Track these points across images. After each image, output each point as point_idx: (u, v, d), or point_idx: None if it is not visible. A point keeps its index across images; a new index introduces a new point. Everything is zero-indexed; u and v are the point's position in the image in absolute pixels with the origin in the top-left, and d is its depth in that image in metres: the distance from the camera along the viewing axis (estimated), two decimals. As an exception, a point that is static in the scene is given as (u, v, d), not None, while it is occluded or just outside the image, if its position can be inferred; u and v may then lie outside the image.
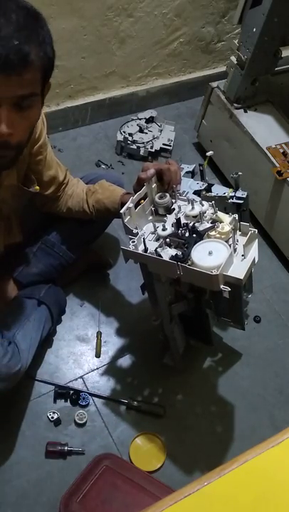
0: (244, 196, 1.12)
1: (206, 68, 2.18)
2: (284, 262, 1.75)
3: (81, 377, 1.39)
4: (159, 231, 1.06)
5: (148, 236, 1.07)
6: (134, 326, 1.50)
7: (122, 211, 1.04)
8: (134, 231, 1.05)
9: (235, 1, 1.61)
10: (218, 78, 1.83)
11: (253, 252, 1.00)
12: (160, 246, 1.03)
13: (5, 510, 1.17)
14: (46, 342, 1.42)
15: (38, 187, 1.14)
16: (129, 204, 1.05)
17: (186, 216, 1.07)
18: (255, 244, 1.02)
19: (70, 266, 1.41)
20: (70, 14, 1.64)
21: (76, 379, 1.38)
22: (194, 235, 1.01)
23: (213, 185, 1.16)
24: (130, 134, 1.93)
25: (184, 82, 2.14)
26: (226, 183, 1.92)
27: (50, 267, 1.36)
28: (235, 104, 1.75)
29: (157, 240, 1.06)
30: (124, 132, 1.93)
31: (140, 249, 1.03)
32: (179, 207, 1.10)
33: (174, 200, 1.11)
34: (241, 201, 1.12)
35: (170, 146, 1.95)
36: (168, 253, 1.01)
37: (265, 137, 1.68)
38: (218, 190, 1.15)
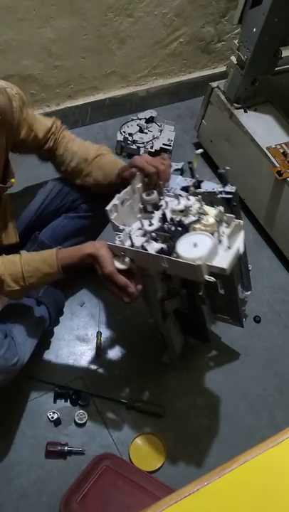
0: (233, 191, 1.13)
1: (206, 68, 2.18)
2: (284, 262, 1.75)
3: (81, 377, 1.39)
4: (146, 226, 1.07)
5: (136, 232, 1.08)
6: (134, 326, 1.50)
7: (107, 208, 1.04)
8: (121, 227, 1.06)
9: (235, 1, 1.61)
10: (218, 78, 1.83)
11: (238, 242, 1.00)
12: (147, 241, 1.04)
13: (5, 510, 1.17)
14: (46, 342, 1.42)
15: (13, 180, 1.13)
16: (115, 201, 1.06)
17: (173, 211, 1.08)
18: (241, 235, 1.02)
19: None
20: (70, 14, 1.64)
21: (76, 379, 1.38)
22: (180, 229, 1.03)
23: (202, 181, 1.17)
24: (130, 134, 1.93)
25: (184, 82, 2.14)
26: (226, 183, 1.92)
27: None
28: (235, 104, 1.75)
29: (144, 235, 1.07)
30: (124, 132, 1.93)
31: (127, 244, 1.04)
32: (166, 203, 1.11)
33: (161, 197, 1.12)
34: (230, 196, 1.13)
35: (170, 146, 1.95)
36: (154, 247, 1.02)
37: (265, 137, 1.68)
38: (208, 186, 1.16)
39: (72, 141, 1.27)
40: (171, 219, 1.06)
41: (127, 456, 1.28)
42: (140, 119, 2.00)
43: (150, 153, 1.92)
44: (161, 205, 1.11)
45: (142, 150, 1.90)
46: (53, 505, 1.17)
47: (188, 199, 1.08)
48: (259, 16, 1.48)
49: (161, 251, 0.99)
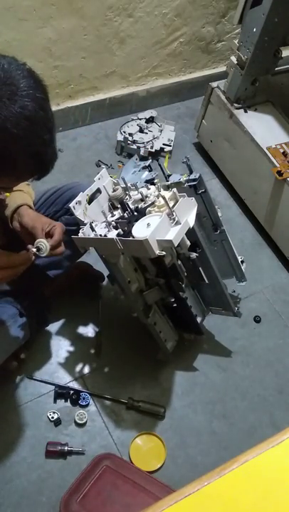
0: (196, 177, 1.16)
1: (206, 68, 2.19)
2: (284, 262, 1.75)
3: (81, 377, 1.39)
4: (108, 218, 1.14)
5: (100, 225, 1.13)
6: (134, 325, 1.50)
7: (70, 205, 1.10)
8: (86, 221, 1.11)
9: (235, 1, 1.61)
10: (218, 78, 1.83)
11: (188, 217, 1.03)
12: (108, 230, 1.10)
13: (5, 510, 1.17)
14: (45, 342, 1.42)
15: (8, 193, 1.12)
16: (78, 198, 1.12)
17: (134, 201, 1.14)
18: (193, 211, 1.06)
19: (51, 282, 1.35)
20: (70, 14, 1.64)
21: (76, 379, 1.38)
22: (136, 214, 1.10)
23: (170, 175, 1.21)
24: (130, 134, 1.93)
25: (184, 82, 2.14)
26: (226, 183, 1.92)
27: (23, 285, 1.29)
28: (236, 104, 1.75)
29: (108, 226, 1.13)
30: (124, 132, 1.93)
31: (91, 236, 1.09)
32: (130, 196, 1.16)
33: (127, 192, 1.17)
34: (195, 183, 1.16)
35: (170, 146, 1.95)
36: (114, 234, 1.07)
37: (265, 137, 1.68)
38: (175, 178, 1.20)
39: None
40: (130, 207, 1.12)
41: (127, 456, 1.28)
42: (140, 119, 2.00)
43: (150, 153, 1.92)
44: (127, 199, 1.17)
45: (142, 150, 1.90)
46: (53, 505, 1.17)
47: (149, 188, 1.14)
48: (259, 15, 1.48)
49: (118, 235, 1.05)
